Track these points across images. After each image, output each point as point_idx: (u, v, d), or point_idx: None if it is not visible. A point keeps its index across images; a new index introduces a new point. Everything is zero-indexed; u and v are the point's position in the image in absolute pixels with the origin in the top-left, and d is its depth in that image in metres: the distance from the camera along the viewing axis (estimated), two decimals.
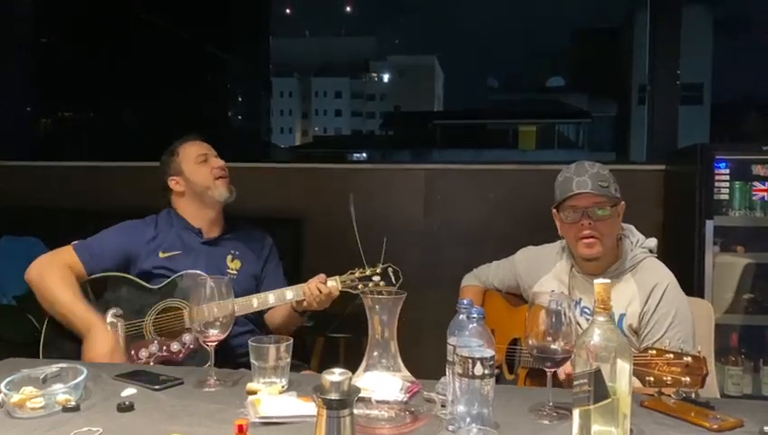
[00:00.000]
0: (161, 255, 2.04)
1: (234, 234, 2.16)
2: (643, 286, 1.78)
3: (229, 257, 2.09)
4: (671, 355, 1.38)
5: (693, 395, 1.38)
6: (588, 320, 1.78)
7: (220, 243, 2.12)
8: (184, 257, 2.04)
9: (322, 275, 1.94)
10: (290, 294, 1.95)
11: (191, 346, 1.90)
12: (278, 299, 1.95)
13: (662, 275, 1.80)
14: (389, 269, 1.94)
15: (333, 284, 1.92)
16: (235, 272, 2.07)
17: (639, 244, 1.87)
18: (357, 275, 1.94)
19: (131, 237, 2.06)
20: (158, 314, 1.96)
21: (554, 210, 1.85)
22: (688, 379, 1.35)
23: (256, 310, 1.96)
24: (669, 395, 1.41)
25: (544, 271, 1.95)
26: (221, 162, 2.11)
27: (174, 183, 2.12)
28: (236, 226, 2.19)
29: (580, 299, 1.84)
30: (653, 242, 1.88)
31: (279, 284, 2.10)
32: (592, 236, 1.75)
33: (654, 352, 1.41)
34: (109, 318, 1.93)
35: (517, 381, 1.92)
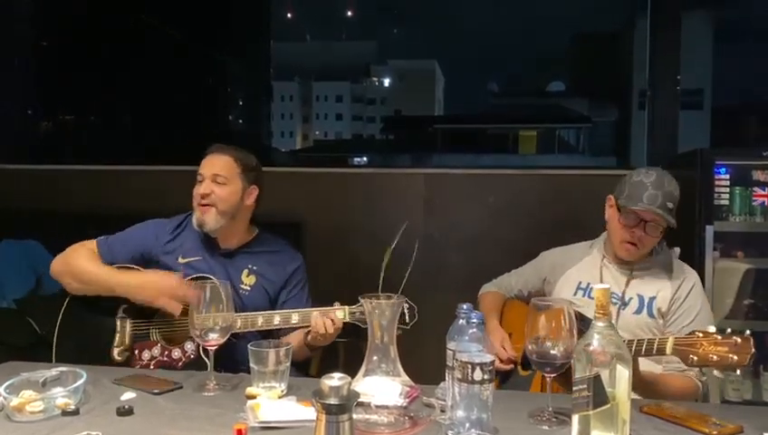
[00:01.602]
0: (181, 260, 2.01)
1: (258, 248, 2.08)
2: (674, 277, 1.90)
3: (245, 272, 2.02)
4: (719, 336, 1.44)
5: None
6: (614, 304, 1.88)
7: (238, 255, 2.05)
8: (203, 264, 2.00)
9: (337, 305, 1.84)
10: (296, 317, 1.87)
11: (191, 356, 1.87)
12: (283, 321, 1.87)
13: (691, 273, 1.93)
14: (405, 306, 1.74)
15: (341, 314, 1.83)
16: (248, 288, 2.00)
17: (667, 249, 1.98)
18: None
19: (149, 239, 2.05)
20: (165, 317, 1.95)
21: (613, 198, 1.92)
22: (736, 357, 1.40)
23: (261, 328, 1.87)
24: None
25: (571, 264, 2.04)
26: (206, 190, 1.97)
27: None
28: (265, 241, 2.11)
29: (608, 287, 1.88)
30: (677, 250, 2.03)
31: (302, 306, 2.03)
32: (636, 244, 1.86)
33: (701, 334, 1.47)
34: (119, 313, 1.95)
35: (532, 377, 1.93)
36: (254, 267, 2.03)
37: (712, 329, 1.50)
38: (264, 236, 2.12)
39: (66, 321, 1.97)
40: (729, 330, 1.46)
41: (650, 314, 1.86)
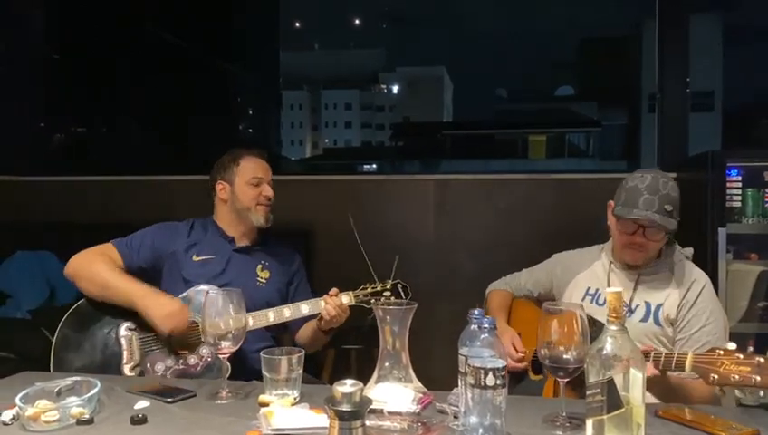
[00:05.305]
0: (195, 258, 2.10)
1: (265, 246, 2.22)
2: (682, 281, 1.85)
3: (259, 267, 2.16)
4: (740, 355, 1.42)
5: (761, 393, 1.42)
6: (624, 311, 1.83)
7: (251, 253, 2.19)
8: (216, 263, 2.11)
9: (335, 290, 1.99)
10: (305, 308, 2.00)
11: (208, 359, 1.93)
12: (293, 313, 1.99)
13: (700, 275, 1.88)
14: (399, 285, 2.04)
15: (347, 299, 1.99)
16: (264, 281, 2.14)
17: (678, 250, 1.95)
18: (369, 290, 2.02)
19: (167, 237, 2.14)
20: None
21: (612, 204, 1.89)
22: (759, 378, 1.37)
23: (273, 323, 1.98)
24: (743, 394, 1.51)
25: (580, 269, 2.03)
26: (270, 192, 2.17)
27: (220, 188, 2.19)
28: (268, 240, 2.25)
29: (621, 290, 1.87)
30: (690, 251, 1.98)
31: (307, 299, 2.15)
32: (638, 249, 1.83)
33: (722, 351, 1.44)
34: (122, 332, 1.95)
35: (545, 382, 1.92)
36: (267, 263, 2.18)
37: (732, 346, 1.47)
38: (267, 235, 2.26)
39: (65, 334, 1.95)
40: (751, 349, 1.45)
41: (657, 323, 1.83)
